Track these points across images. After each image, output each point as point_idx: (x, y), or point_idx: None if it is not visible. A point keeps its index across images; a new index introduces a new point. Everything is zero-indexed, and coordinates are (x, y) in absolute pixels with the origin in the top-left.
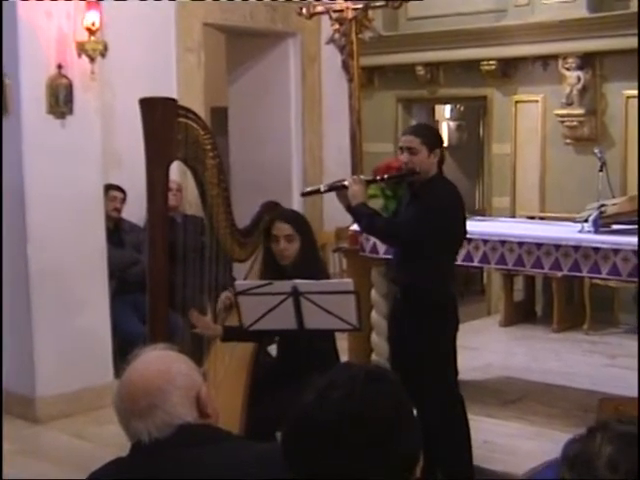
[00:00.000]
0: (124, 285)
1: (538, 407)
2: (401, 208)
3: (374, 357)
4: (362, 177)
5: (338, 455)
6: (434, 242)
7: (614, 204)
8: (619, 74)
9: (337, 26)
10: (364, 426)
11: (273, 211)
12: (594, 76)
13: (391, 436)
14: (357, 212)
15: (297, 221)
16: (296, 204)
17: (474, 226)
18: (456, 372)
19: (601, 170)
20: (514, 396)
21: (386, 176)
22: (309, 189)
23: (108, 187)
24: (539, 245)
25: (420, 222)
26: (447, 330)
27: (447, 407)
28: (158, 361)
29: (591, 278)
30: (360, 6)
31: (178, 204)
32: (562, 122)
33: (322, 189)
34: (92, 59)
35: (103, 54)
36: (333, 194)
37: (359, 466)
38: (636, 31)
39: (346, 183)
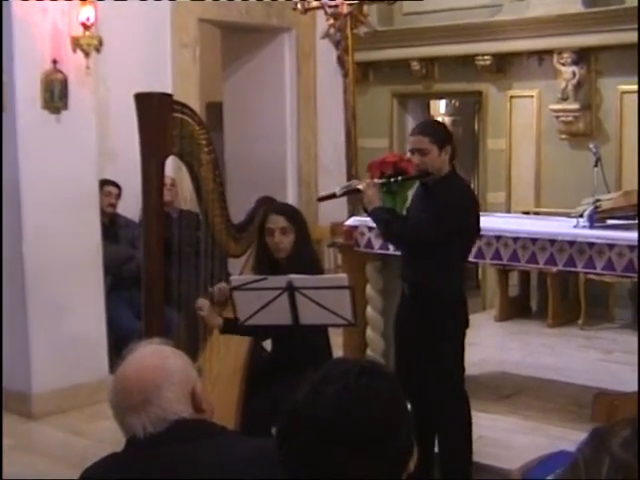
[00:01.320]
0: (119, 281)
1: (533, 402)
2: (409, 205)
3: (369, 352)
4: (376, 180)
5: (332, 450)
6: (448, 241)
7: (609, 199)
8: (614, 69)
9: (332, 21)
10: (358, 421)
11: (273, 203)
12: (589, 71)
13: (385, 430)
14: (374, 218)
15: (291, 213)
16: (291, 199)
17: None
18: (463, 370)
19: (596, 165)
20: (509, 391)
21: (400, 178)
22: (324, 194)
23: (103, 182)
24: (534, 240)
25: (436, 225)
26: (457, 329)
27: (453, 405)
28: (153, 356)
29: (586, 273)
30: (355, 1)
31: (173, 199)
32: (557, 117)
33: (337, 193)
34: (87, 54)
35: (98, 49)
36: (328, 185)
37: (353, 461)
38: (631, 26)
39: (360, 187)
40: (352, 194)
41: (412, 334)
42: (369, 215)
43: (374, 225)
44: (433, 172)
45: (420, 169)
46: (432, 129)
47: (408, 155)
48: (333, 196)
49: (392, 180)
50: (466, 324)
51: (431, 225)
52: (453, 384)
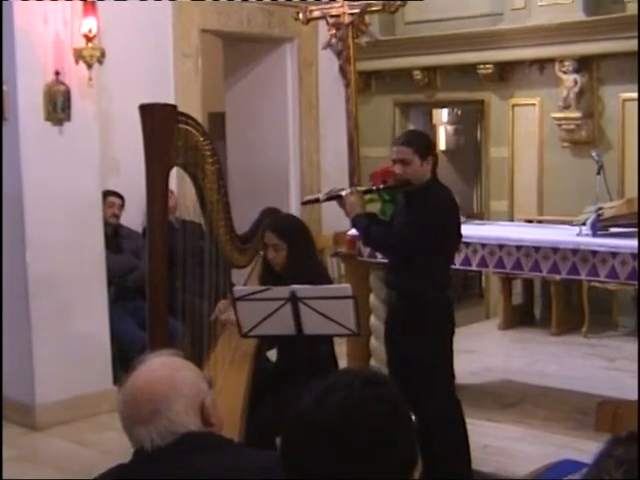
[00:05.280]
0: (123, 291)
1: (537, 410)
2: (396, 212)
3: (373, 362)
4: (358, 188)
5: (335, 458)
6: (429, 248)
7: (612, 207)
8: (616, 77)
9: (334, 31)
10: (362, 430)
11: (272, 217)
12: (591, 79)
13: (389, 440)
14: (355, 224)
15: (283, 230)
16: (294, 209)
17: (472, 230)
18: (453, 375)
19: (599, 173)
20: (513, 399)
21: (381, 186)
22: (308, 198)
23: (106, 193)
24: (537, 248)
25: (415, 230)
26: (443, 334)
27: (444, 410)
28: (163, 368)
29: (589, 281)
30: (357, 11)
31: (174, 204)
32: (559, 125)
33: (321, 198)
34: (89, 66)
35: (100, 60)
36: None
37: (357, 470)
38: (632, 34)
39: (343, 193)
40: (334, 199)
41: (399, 339)
42: (351, 222)
43: None
44: (414, 182)
45: (402, 179)
46: (415, 140)
47: (394, 168)
48: (317, 201)
49: (374, 188)
50: (452, 328)
51: (412, 232)
52: (443, 388)
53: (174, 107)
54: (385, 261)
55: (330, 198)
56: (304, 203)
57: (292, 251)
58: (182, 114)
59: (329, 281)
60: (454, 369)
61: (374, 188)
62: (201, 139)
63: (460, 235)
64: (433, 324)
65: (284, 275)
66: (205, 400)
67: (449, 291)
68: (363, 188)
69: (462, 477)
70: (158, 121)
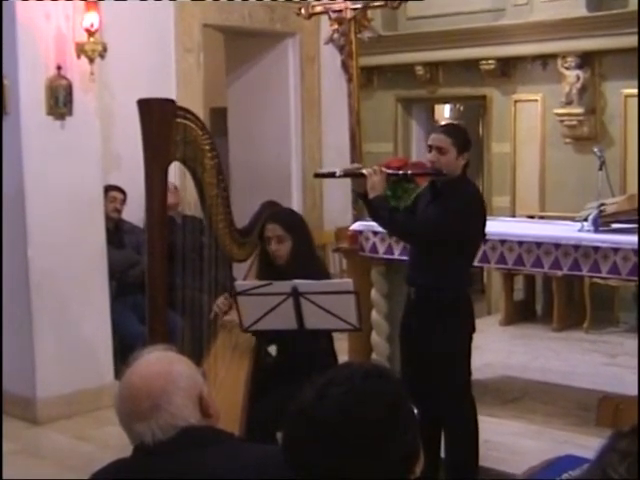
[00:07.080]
0: (124, 286)
1: (538, 406)
2: (409, 206)
3: (374, 357)
4: (383, 169)
5: (336, 452)
6: (452, 243)
7: (613, 203)
8: (618, 73)
9: (336, 26)
10: (362, 423)
11: (272, 210)
12: (593, 75)
13: (390, 434)
14: (376, 205)
15: (287, 221)
16: (295, 204)
17: None
18: (469, 372)
19: (600, 169)
20: (514, 395)
21: (409, 172)
22: (324, 171)
23: (108, 188)
24: (539, 244)
25: (439, 222)
26: (462, 331)
27: (458, 406)
28: (159, 362)
29: (591, 277)
30: (359, 6)
31: (177, 202)
32: (561, 121)
33: (338, 173)
34: (91, 60)
35: (102, 55)
36: (332, 190)
37: (358, 465)
38: (635, 30)
39: (364, 172)
40: (354, 177)
41: (419, 337)
42: (368, 202)
43: (379, 230)
44: (446, 174)
45: (434, 167)
46: (456, 132)
47: (428, 156)
48: (332, 175)
49: (401, 173)
50: (472, 327)
51: (435, 224)
52: (459, 387)
53: (172, 101)
54: (388, 257)
55: (348, 175)
56: (317, 175)
57: (296, 243)
58: (180, 108)
59: (328, 277)
60: (471, 367)
61: (400, 172)
62: (200, 133)
63: (484, 234)
64: (454, 322)
65: (286, 268)
66: (202, 392)
67: (468, 288)
68: (388, 170)
69: (470, 476)
70: (156, 116)
